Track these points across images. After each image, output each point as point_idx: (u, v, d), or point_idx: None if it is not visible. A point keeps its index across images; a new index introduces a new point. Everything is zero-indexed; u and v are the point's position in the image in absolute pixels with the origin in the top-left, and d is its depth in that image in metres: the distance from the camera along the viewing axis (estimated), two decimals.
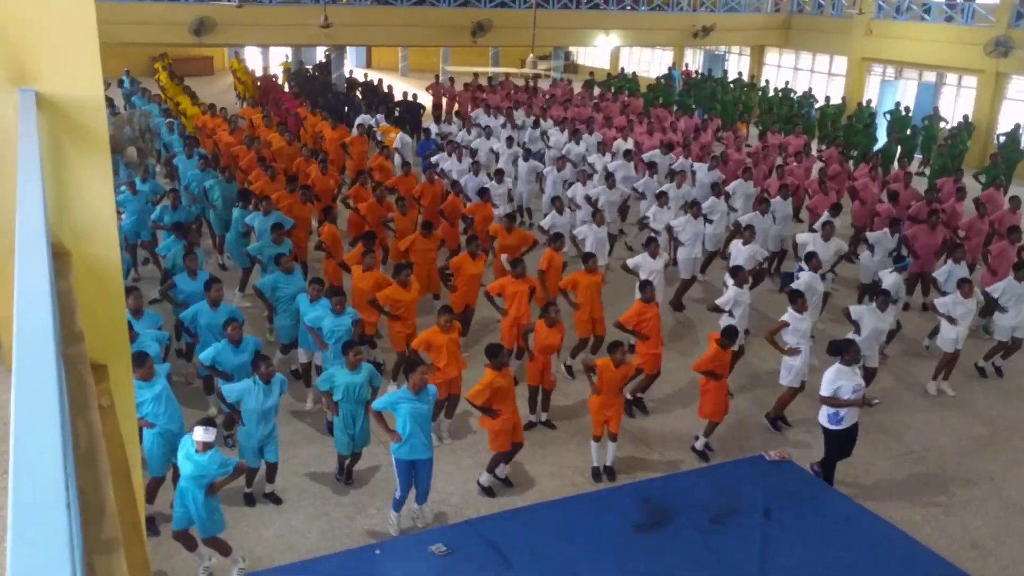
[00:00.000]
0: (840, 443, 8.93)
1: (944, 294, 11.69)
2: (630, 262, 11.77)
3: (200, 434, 6.88)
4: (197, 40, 23.84)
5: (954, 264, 12.17)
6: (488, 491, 8.86)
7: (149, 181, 14.02)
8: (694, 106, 26.69)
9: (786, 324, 9.95)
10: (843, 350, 8.60)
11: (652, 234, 12.97)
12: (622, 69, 32.06)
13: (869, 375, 10.69)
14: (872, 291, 10.90)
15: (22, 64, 3.40)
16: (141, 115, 17.51)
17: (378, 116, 21.40)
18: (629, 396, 10.16)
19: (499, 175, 15.62)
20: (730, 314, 10.62)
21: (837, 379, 8.52)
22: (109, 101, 20.53)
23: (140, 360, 7.44)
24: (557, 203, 13.90)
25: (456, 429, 9.92)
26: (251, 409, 8.00)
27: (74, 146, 3.55)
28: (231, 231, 13.00)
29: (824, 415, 8.77)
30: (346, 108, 24.05)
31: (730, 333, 9.36)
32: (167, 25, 23.42)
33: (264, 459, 8.32)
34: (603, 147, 18.04)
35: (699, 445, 9.75)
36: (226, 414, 8.91)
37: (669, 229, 13.39)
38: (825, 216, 13.33)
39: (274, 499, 8.58)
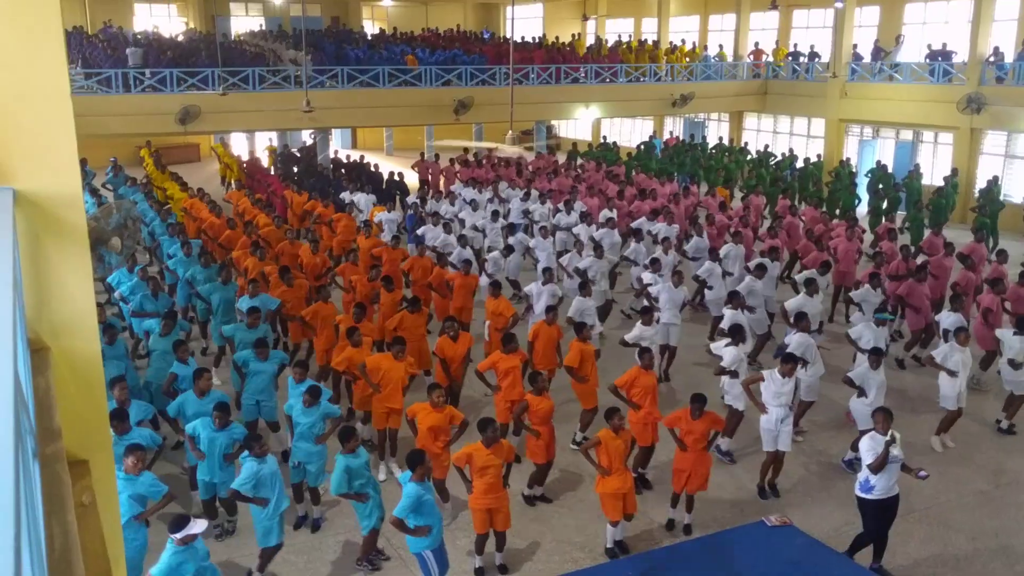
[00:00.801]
0: (875, 514, 8.48)
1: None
2: (629, 337, 11.72)
3: (198, 527, 6.78)
4: (182, 129, 24.16)
5: (955, 313, 12.25)
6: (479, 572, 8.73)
7: (136, 268, 14.04)
8: (675, 173, 27.03)
9: (761, 378, 9.89)
10: (875, 419, 8.44)
11: (646, 303, 13.01)
12: (604, 138, 32.53)
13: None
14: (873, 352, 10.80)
15: (0, 162, 3.41)
16: (127, 204, 17.61)
17: (358, 196, 21.48)
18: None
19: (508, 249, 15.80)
20: (733, 374, 10.63)
21: (874, 446, 8.22)
22: (95, 191, 20.73)
23: (131, 450, 7.42)
24: (547, 274, 13.84)
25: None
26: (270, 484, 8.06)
27: (53, 242, 3.54)
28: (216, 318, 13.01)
29: (858, 484, 8.49)
30: (331, 188, 24.25)
31: (697, 399, 9.22)
32: (153, 115, 23.74)
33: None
34: (587, 216, 18.19)
35: (673, 516, 9.59)
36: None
37: (644, 289, 13.46)
38: (807, 274, 13.43)
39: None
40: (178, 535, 6.64)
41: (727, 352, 10.77)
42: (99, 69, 24.12)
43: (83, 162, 22.20)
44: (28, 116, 3.44)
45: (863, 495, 8.41)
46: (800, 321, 11.37)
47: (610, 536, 8.99)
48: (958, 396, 10.99)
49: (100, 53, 26.13)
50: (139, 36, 30.37)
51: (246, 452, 8.14)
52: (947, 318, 12.31)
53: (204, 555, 6.94)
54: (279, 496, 8.15)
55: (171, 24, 37.34)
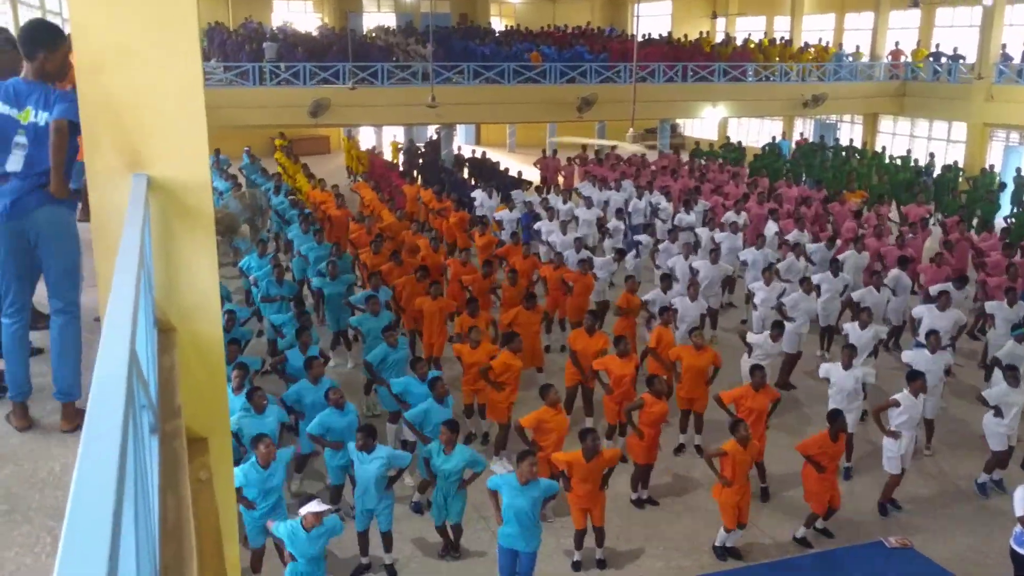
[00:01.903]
0: None
1: None
2: (750, 337, 11.49)
3: (314, 506, 7.00)
4: (313, 121, 24.97)
5: None
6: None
7: (268, 255, 14.54)
8: (804, 175, 26.14)
9: (896, 403, 9.44)
10: None
11: (779, 318, 12.55)
12: (728, 139, 31.81)
13: (1006, 457, 10.05)
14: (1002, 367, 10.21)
15: (137, 150, 3.60)
16: (258, 193, 18.29)
17: (479, 194, 21.50)
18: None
19: (619, 253, 15.53)
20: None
21: None
22: (232, 176, 21.64)
23: (257, 441, 7.72)
24: (666, 280, 13.55)
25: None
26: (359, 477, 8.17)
27: (182, 226, 3.71)
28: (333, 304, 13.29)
29: (1013, 536, 7.86)
30: (453, 184, 24.56)
31: (834, 416, 8.90)
32: (286, 108, 24.63)
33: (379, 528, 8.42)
34: (709, 217, 17.79)
35: (798, 534, 9.27)
36: (332, 487, 9.13)
37: (780, 307, 12.95)
38: (941, 286, 12.75)
39: (391, 572, 8.61)
40: (302, 511, 7.00)
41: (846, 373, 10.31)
42: (237, 63, 25.19)
43: (216, 151, 23.31)
44: (164, 108, 3.61)
45: (1018, 549, 7.75)
46: (929, 337, 10.82)
47: (721, 538, 8.89)
48: None
49: (238, 47, 27.27)
50: (275, 31, 31.53)
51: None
52: None
53: (317, 554, 7.17)
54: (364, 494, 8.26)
55: (307, 20, 38.62)
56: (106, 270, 3.30)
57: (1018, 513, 7.62)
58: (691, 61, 29.16)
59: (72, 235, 3.98)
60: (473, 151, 30.37)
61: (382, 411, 11.13)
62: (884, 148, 29.21)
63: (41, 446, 3.60)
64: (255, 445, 7.69)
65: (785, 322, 12.27)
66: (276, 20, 37.12)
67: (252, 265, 14.19)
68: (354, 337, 12.87)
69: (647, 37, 33.60)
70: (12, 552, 2.75)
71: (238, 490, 8.07)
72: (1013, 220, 19.60)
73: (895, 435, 9.39)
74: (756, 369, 9.82)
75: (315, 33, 33.19)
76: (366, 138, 36.00)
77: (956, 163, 25.84)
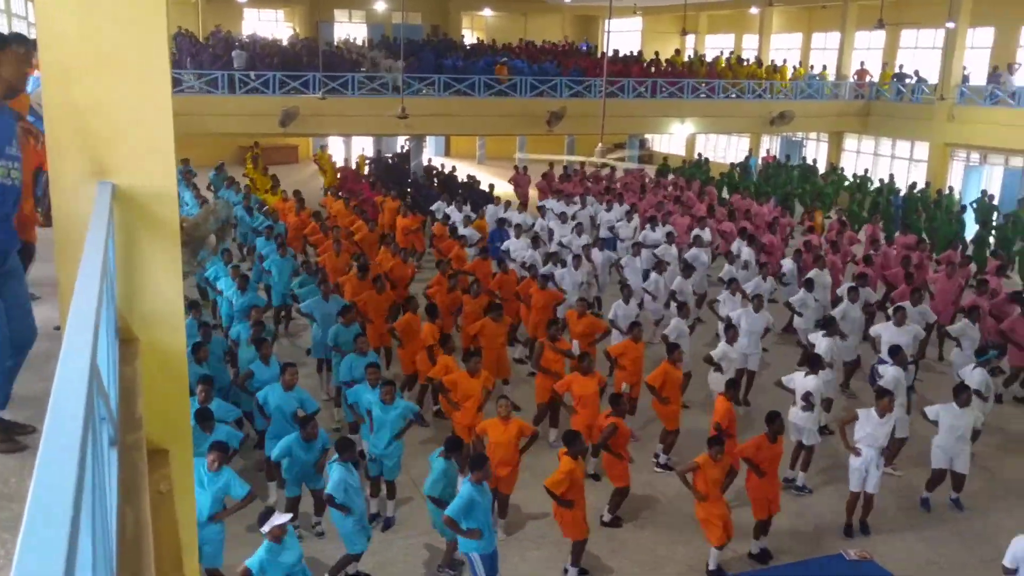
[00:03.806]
0: None
1: None
2: (714, 354, 11.61)
3: (276, 519, 6.92)
4: (282, 130, 24.85)
5: None
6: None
7: (230, 265, 14.45)
8: (771, 193, 26.40)
9: (855, 417, 9.54)
10: None
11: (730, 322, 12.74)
12: (699, 155, 32.11)
13: (958, 480, 10.20)
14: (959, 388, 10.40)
15: (103, 158, 3.56)
16: (224, 205, 18.10)
17: (451, 209, 21.45)
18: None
19: (576, 261, 15.56)
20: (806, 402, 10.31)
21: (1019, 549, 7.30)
22: (198, 191, 21.45)
23: (213, 447, 7.64)
24: (625, 291, 13.74)
25: (513, 521, 9.72)
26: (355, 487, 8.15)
27: (146, 236, 3.68)
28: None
29: None
30: (422, 197, 24.53)
31: (772, 418, 9.00)
32: (255, 116, 24.51)
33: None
34: (672, 238, 17.97)
35: (753, 550, 9.31)
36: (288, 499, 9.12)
37: (728, 319, 13.05)
38: (899, 304, 12.96)
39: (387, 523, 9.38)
40: (265, 528, 6.80)
41: (806, 382, 10.42)
42: (207, 71, 25.02)
43: (185, 161, 23.09)
44: (131, 115, 3.59)
45: None
46: (895, 355, 10.96)
47: (713, 559, 8.85)
48: None
49: (208, 55, 27.10)
50: (245, 40, 31.36)
51: (335, 457, 8.24)
52: None
53: (298, 557, 7.07)
54: (362, 502, 8.27)
55: (278, 29, 38.46)
56: (68, 279, 3.25)
57: (1005, 563, 7.40)
58: (662, 77, 29.46)
59: None
60: (442, 164, 30.36)
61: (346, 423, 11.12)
62: (843, 168, 29.68)
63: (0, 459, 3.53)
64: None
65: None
66: (247, 29, 36.93)
67: (219, 273, 14.09)
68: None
69: (616, 53, 33.85)
70: None
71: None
72: (973, 243, 19.94)
73: (856, 451, 9.49)
74: (731, 384, 10.11)
75: (285, 42, 33.06)
76: (335, 149, 35.86)
77: (927, 183, 26.24)
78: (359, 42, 35.29)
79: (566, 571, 8.71)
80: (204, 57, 26.82)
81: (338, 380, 11.02)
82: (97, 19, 3.47)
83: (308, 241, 17.68)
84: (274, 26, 38.91)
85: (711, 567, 8.86)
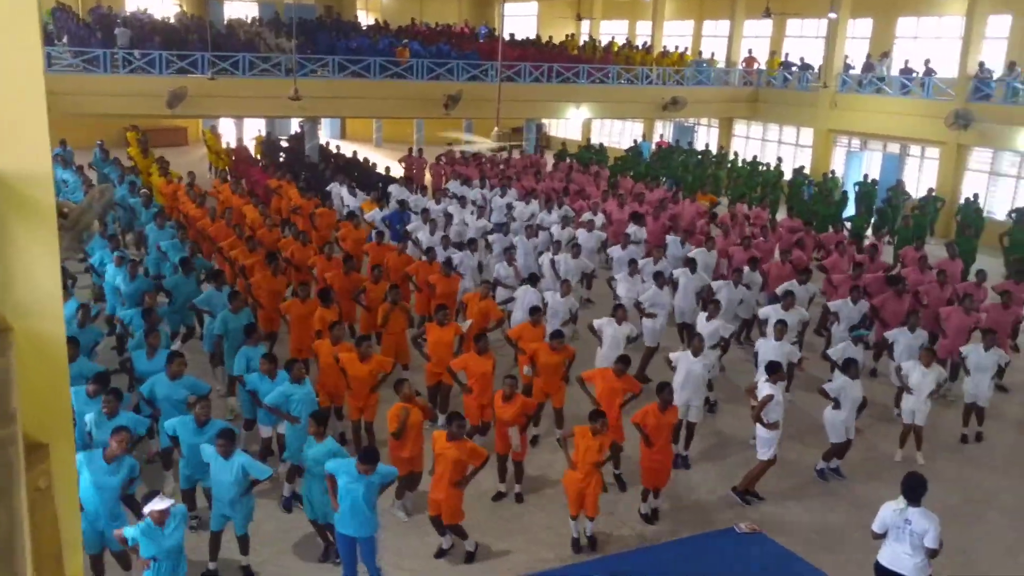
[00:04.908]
0: None
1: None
2: (595, 323, 11.87)
3: (156, 503, 6.75)
4: (170, 112, 23.98)
5: (908, 331, 12.32)
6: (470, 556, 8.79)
7: (115, 253, 13.87)
8: (663, 178, 27.00)
9: (771, 397, 9.82)
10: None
11: (617, 300, 13.10)
12: (589, 140, 32.52)
13: (844, 448, 10.70)
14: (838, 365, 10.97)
15: None
16: (105, 189, 17.43)
17: (344, 190, 21.10)
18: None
19: (472, 244, 15.58)
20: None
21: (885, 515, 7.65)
22: (80, 170, 20.55)
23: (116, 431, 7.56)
24: (532, 276, 13.76)
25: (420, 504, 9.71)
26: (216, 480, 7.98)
27: (19, 221, 3.48)
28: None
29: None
30: (317, 180, 24.10)
31: (662, 387, 9.39)
32: (140, 97, 23.56)
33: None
34: (568, 220, 18.22)
35: (642, 509, 9.71)
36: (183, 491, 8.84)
37: (638, 304, 13.33)
38: (786, 286, 13.46)
39: (247, 572, 8.42)
40: (146, 510, 6.75)
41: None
42: (86, 48, 23.89)
43: (63, 142, 22.07)
44: None
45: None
46: (776, 326, 11.57)
47: (573, 528, 9.10)
48: (912, 411, 11.23)
49: (87, 32, 25.89)
50: (129, 17, 30.07)
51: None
52: (894, 335, 12.52)
53: (178, 545, 6.92)
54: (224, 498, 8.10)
55: (164, 7, 37.02)
56: None
57: (874, 528, 7.74)
58: (557, 62, 29.64)
59: None
60: (338, 146, 29.85)
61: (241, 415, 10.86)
62: (736, 153, 30.55)
63: None
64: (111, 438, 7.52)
65: (645, 318, 12.96)
66: (130, 5, 35.43)
67: (105, 259, 13.57)
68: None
69: (512, 37, 33.90)
70: None
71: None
72: (849, 223, 20.84)
73: (775, 426, 9.80)
74: (620, 359, 10.22)
75: (172, 20, 31.86)
76: (227, 131, 34.83)
77: (804, 168, 27.24)
78: (250, 21, 34.30)
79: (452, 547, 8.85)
80: (83, 34, 25.62)
81: (232, 371, 10.76)
82: None
83: (211, 236, 16.59)
84: (160, 3, 37.44)
85: (574, 534, 9.13)
